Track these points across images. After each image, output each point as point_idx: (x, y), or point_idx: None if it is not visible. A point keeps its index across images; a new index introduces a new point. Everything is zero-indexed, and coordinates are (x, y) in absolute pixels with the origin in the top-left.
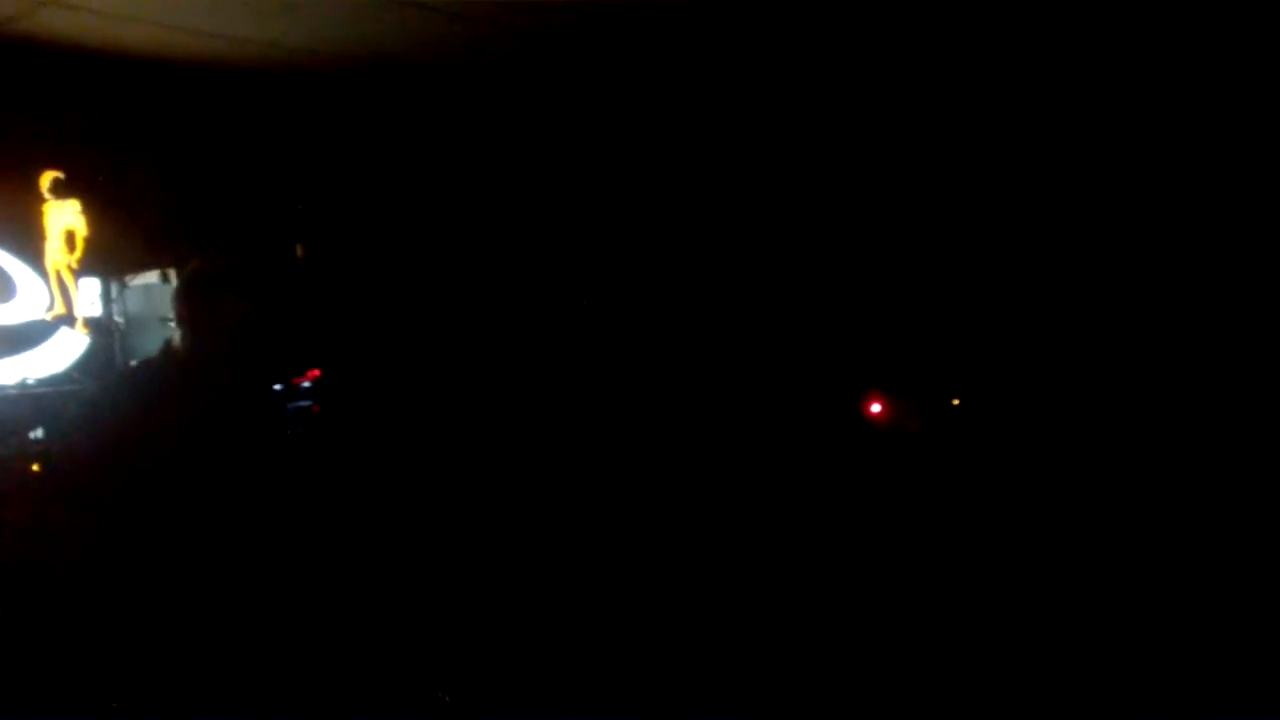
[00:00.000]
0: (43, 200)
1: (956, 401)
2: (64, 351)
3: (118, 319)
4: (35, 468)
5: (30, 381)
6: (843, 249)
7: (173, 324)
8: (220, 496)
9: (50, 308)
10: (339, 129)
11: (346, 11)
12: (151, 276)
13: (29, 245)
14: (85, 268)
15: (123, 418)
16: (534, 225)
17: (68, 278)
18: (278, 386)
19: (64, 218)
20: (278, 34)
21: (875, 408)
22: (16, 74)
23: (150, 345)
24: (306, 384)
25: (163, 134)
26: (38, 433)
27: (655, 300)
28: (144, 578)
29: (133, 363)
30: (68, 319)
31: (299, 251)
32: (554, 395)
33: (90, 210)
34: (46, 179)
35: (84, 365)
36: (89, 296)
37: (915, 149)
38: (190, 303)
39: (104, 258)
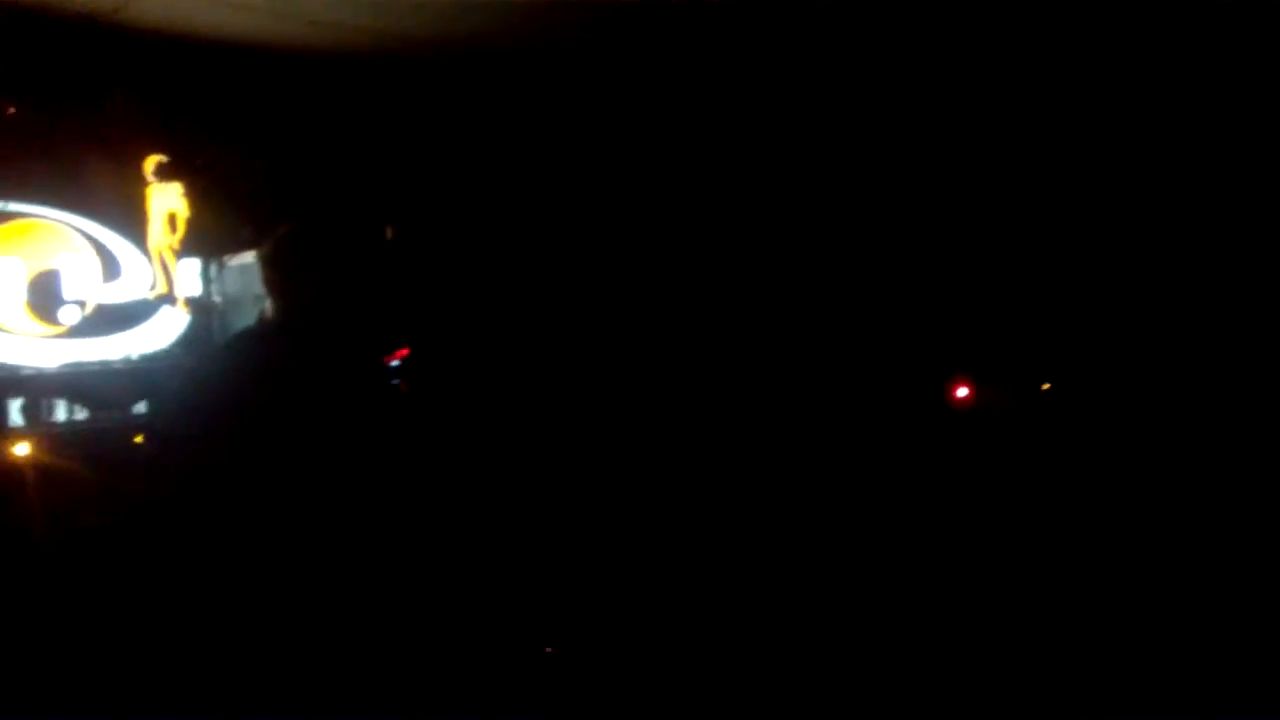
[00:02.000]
0: (146, 183)
1: (1047, 386)
2: (165, 329)
3: (216, 298)
4: (138, 440)
5: (134, 358)
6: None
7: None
8: (321, 463)
9: (153, 287)
10: (432, 114)
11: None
12: (248, 257)
13: (133, 227)
14: (186, 249)
15: (222, 390)
16: (624, 212)
17: (169, 258)
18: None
19: (166, 200)
20: (379, 20)
21: (962, 392)
22: (122, 60)
23: (246, 323)
24: (395, 363)
25: (260, 119)
26: (140, 406)
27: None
28: (246, 546)
29: (229, 336)
30: (169, 298)
31: (388, 233)
32: (648, 381)
33: (191, 193)
34: (150, 163)
35: (184, 342)
36: (189, 276)
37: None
38: (278, 269)
39: (203, 239)
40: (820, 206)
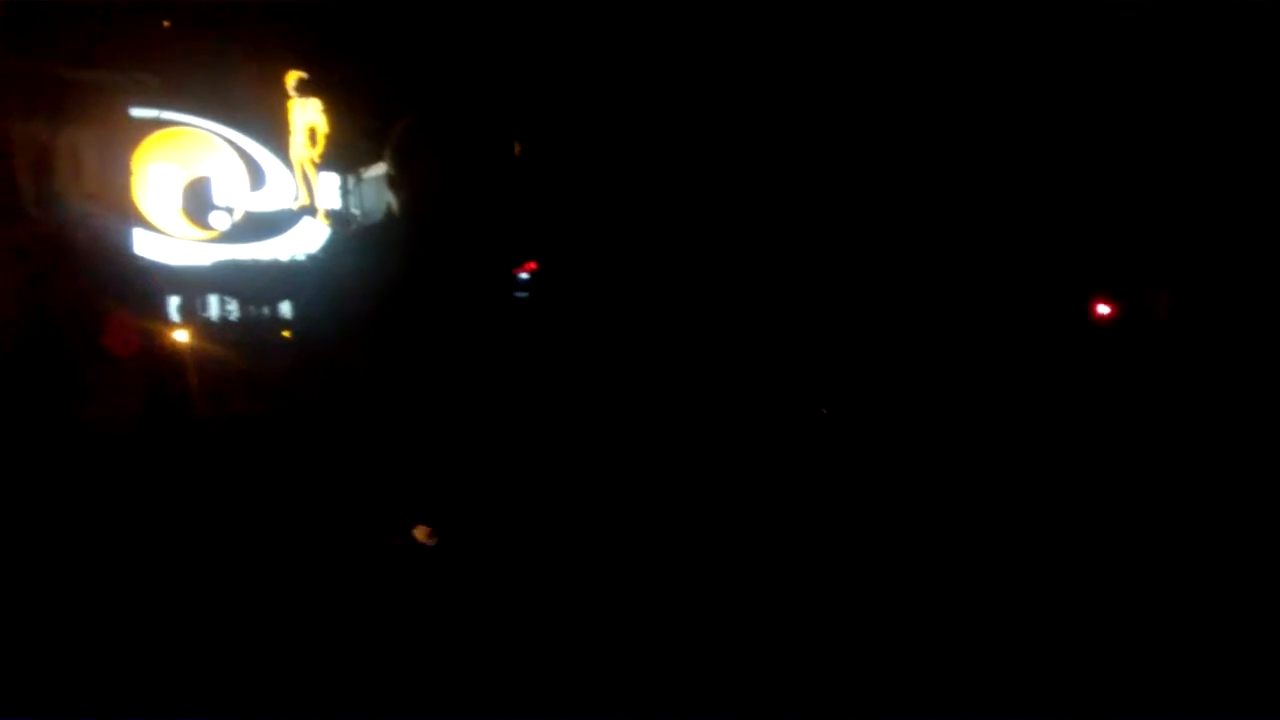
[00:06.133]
0: (288, 98)
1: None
2: (306, 239)
3: (354, 210)
4: (285, 334)
5: (279, 262)
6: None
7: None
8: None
9: (295, 198)
10: (564, 38)
11: None
12: (383, 170)
13: (277, 139)
14: (325, 162)
15: (356, 285)
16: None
17: (310, 171)
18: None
19: (307, 115)
20: None
21: (1103, 309)
22: None
23: (381, 231)
24: (524, 275)
25: (398, 38)
26: (284, 304)
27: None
28: (380, 434)
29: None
30: (310, 209)
31: (516, 149)
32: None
33: (331, 108)
34: (291, 79)
35: (324, 252)
36: (329, 189)
37: None
38: (403, 161)
39: (343, 154)
40: (951, 121)
